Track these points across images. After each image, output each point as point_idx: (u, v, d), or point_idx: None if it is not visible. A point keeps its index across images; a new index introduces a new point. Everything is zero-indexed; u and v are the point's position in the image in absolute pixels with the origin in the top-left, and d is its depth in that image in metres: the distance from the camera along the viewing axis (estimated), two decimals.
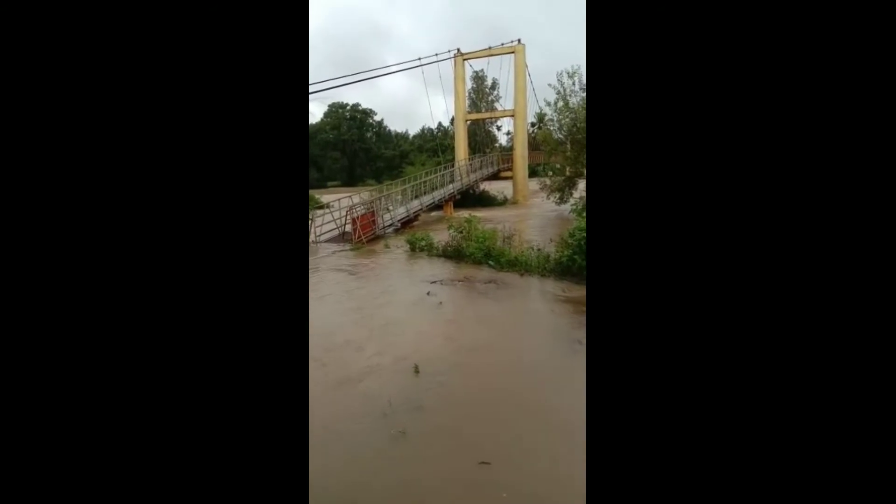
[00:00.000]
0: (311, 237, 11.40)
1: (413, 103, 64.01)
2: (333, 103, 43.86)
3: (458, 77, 20.09)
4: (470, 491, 2.22)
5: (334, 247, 10.65)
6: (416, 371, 3.63)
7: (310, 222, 11.61)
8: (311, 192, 20.69)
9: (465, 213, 11.49)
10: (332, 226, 12.03)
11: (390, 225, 12.29)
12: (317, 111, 45.54)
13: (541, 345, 4.23)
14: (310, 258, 9.39)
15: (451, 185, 17.17)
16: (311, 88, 9.95)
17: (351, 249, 10.15)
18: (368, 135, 45.87)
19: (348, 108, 44.56)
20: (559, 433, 2.68)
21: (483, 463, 2.37)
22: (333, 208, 12.30)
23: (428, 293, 6.12)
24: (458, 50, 19.80)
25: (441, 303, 5.72)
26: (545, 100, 19.87)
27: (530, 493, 2.17)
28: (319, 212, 12.84)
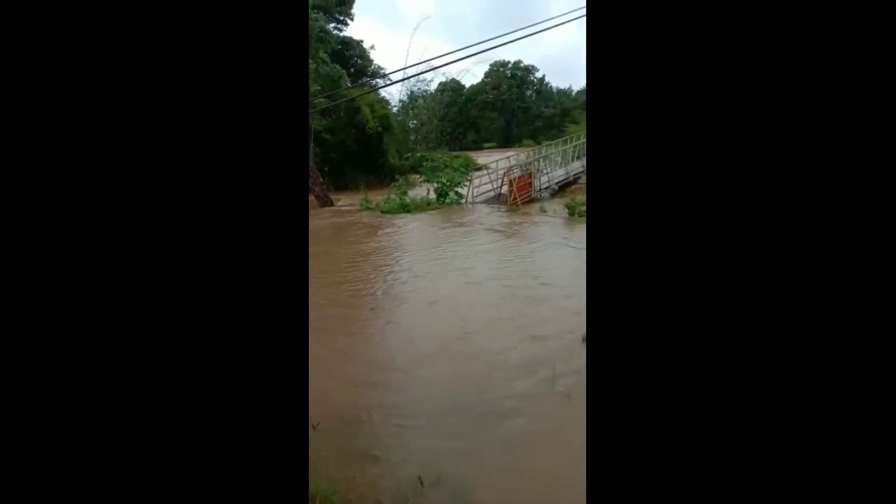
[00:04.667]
0: (469, 198, 11.74)
1: (580, 55, 58.77)
2: (495, 62, 43.26)
3: None
4: None
5: (489, 208, 10.77)
6: (584, 341, 3.47)
7: (467, 183, 11.96)
8: (467, 153, 21.27)
9: None
10: (488, 187, 12.15)
11: (547, 188, 11.81)
12: (479, 72, 45.73)
13: None
14: (466, 217, 9.72)
15: None
16: (471, 49, 9.84)
17: (506, 211, 10.11)
18: (528, 93, 44.35)
19: (510, 65, 43.59)
20: None
21: None
22: (490, 170, 12.37)
23: None
24: None
25: None
26: None
27: None
28: (477, 173, 13.08)
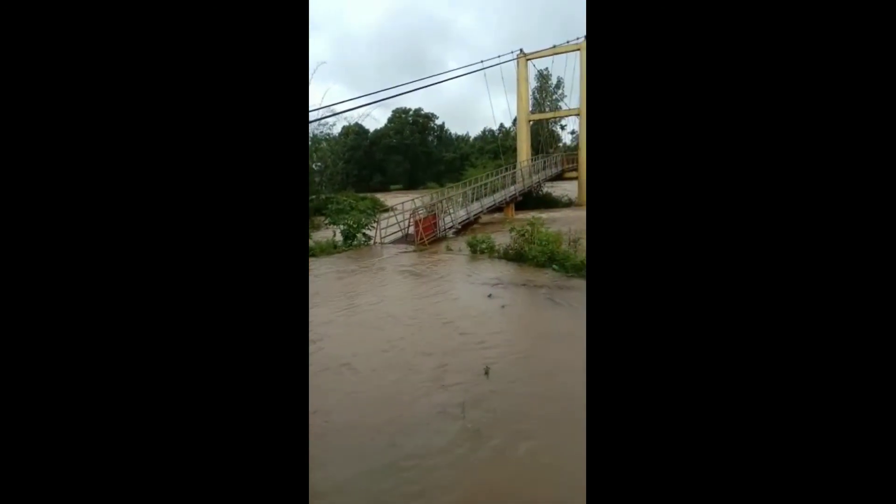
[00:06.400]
0: (377, 239, 11.82)
1: (474, 104, 63.97)
2: (397, 109, 45.31)
3: (521, 78, 19.84)
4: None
5: (397, 248, 10.95)
6: (487, 373, 3.66)
7: (375, 225, 12.07)
8: (375, 195, 21.50)
9: (527, 215, 11.29)
10: (396, 228, 12.38)
11: (451, 227, 12.40)
12: (381, 117, 47.13)
13: None
14: (375, 259, 9.75)
15: (511, 187, 16.96)
16: (378, 96, 10.25)
17: (413, 251, 10.37)
18: (430, 138, 46.76)
19: (411, 112, 45.74)
20: None
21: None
22: (397, 211, 12.66)
23: (490, 296, 6.08)
24: (521, 50, 19.55)
25: (504, 306, 5.66)
26: None
27: None
28: (384, 214, 13.27)
